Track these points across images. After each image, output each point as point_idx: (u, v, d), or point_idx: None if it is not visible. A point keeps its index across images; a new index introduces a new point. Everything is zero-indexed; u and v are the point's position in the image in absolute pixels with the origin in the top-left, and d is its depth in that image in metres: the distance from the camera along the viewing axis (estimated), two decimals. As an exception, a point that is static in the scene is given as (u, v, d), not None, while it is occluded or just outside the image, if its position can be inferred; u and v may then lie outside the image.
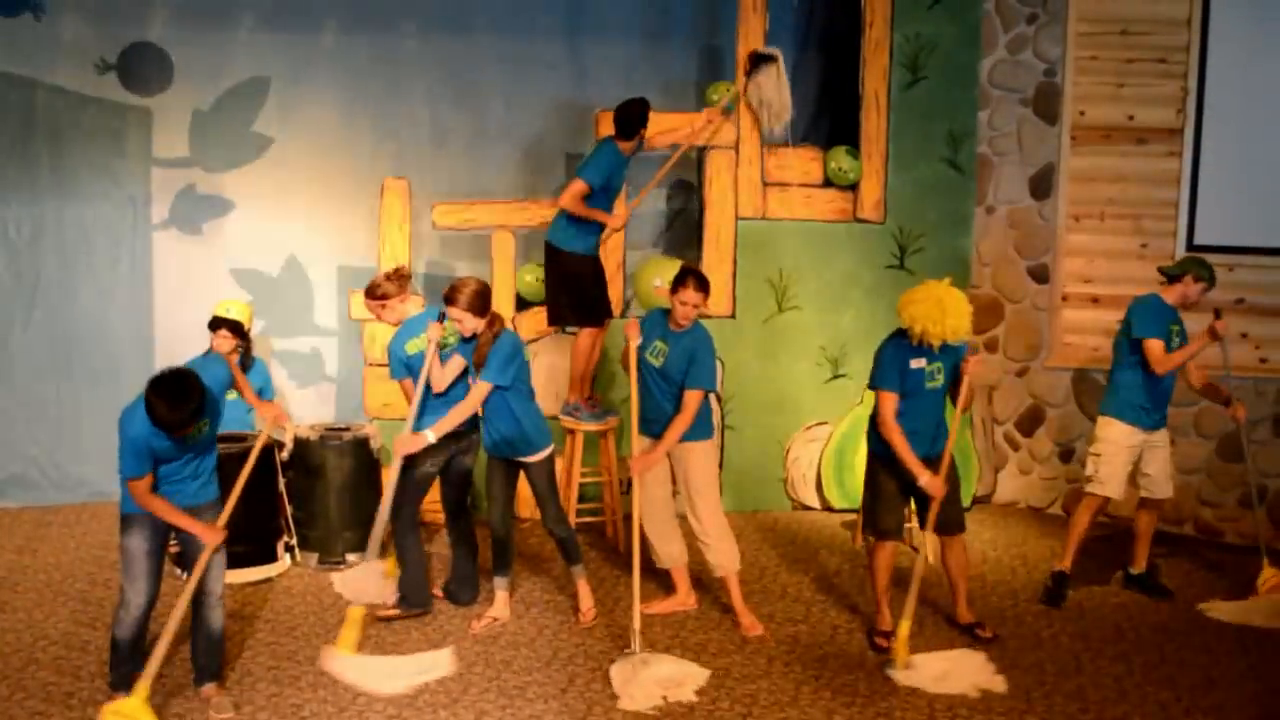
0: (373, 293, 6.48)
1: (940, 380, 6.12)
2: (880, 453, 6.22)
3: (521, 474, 6.39)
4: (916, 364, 6.04)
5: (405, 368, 6.35)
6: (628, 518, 7.85)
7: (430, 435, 6.09)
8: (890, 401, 6.04)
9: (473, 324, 6.07)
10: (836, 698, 5.71)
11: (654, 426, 6.41)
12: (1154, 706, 5.70)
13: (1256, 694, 5.87)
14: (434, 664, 5.92)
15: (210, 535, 5.32)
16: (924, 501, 6.21)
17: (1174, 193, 8.25)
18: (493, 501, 6.41)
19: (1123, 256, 8.34)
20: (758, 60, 8.11)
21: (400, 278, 6.51)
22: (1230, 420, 7.14)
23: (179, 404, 4.89)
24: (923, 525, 6.31)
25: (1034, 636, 6.47)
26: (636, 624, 6.00)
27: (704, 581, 6.91)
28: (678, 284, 6.26)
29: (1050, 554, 7.34)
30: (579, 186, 7.29)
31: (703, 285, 6.26)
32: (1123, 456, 6.81)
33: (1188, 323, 6.87)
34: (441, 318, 6.18)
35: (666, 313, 6.40)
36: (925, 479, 6.03)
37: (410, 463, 6.23)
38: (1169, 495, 7.01)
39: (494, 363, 6.07)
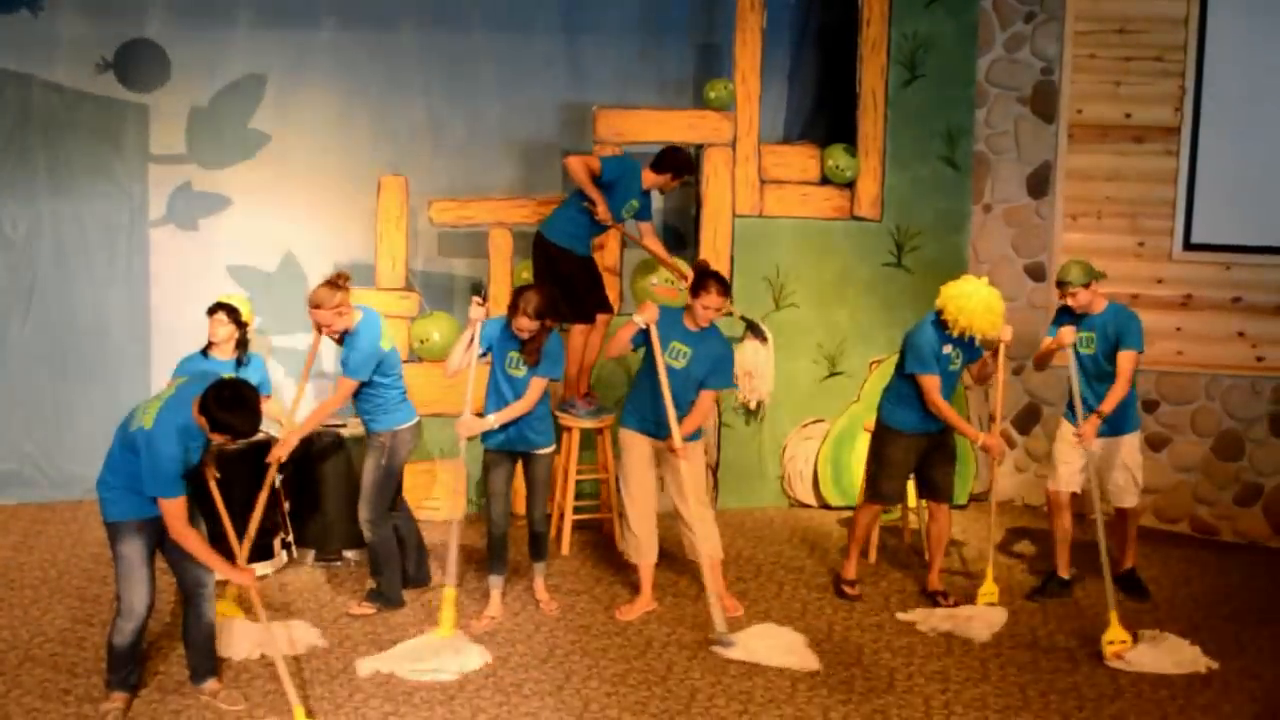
0: (325, 304, 6.25)
1: (958, 365, 6.64)
2: (893, 424, 6.70)
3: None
4: (946, 350, 6.55)
5: (378, 366, 6.37)
6: (624, 516, 7.86)
7: (493, 420, 6.25)
8: (935, 384, 6.53)
9: (531, 327, 6.18)
10: (833, 694, 5.72)
11: (659, 427, 6.43)
12: (1149, 704, 5.72)
13: (1251, 693, 5.88)
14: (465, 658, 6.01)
15: (240, 576, 5.47)
16: (924, 475, 6.83)
17: (1171, 191, 8.25)
18: (495, 497, 6.44)
19: (1119, 255, 8.32)
20: (750, 327, 8.20)
21: (345, 279, 6.40)
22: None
23: (250, 411, 5.11)
24: (920, 495, 7.09)
25: (1029, 634, 6.48)
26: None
27: (698, 583, 6.93)
28: (699, 287, 6.37)
29: (1046, 551, 7.34)
30: (592, 160, 7.45)
31: (725, 289, 6.42)
32: (1065, 453, 6.88)
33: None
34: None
35: (676, 313, 6.44)
36: (983, 439, 6.71)
37: (395, 455, 6.44)
38: (1131, 505, 6.96)
39: (548, 360, 6.28)
